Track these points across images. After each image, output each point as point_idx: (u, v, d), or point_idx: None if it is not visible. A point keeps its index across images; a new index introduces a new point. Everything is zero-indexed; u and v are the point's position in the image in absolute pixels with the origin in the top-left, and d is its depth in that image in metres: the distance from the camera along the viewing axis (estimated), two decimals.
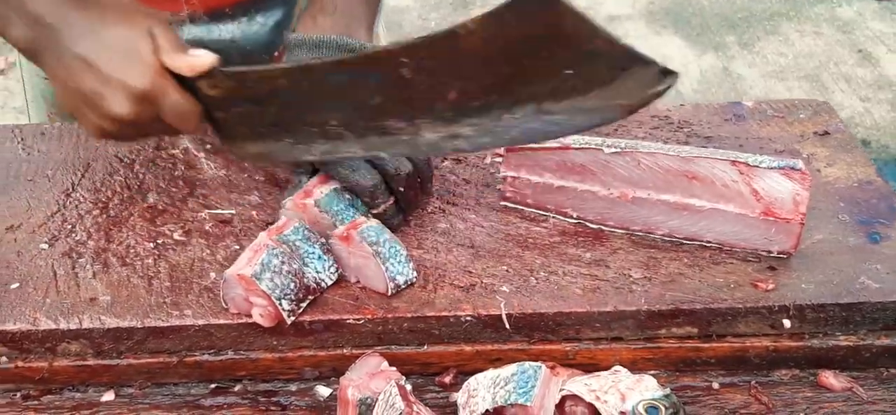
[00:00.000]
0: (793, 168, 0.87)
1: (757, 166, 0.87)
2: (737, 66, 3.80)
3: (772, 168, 0.87)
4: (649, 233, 0.93)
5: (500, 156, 0.97)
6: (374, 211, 0.92)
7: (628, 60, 0.71)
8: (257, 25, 1.19)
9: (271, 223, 0.93)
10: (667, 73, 0.72)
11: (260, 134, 0.90)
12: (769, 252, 0.90)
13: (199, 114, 0.88)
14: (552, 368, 0.84)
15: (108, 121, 0.86)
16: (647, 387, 0.81)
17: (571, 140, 0.93)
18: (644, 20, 4.17)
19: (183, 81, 0.85)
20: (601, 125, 0.79)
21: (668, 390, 0.81)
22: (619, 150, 0.91)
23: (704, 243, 0.92)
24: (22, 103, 1.36)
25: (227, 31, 1.16)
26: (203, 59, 0.84)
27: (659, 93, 0.74)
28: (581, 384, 0.82)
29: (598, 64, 0.72)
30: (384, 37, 1.45)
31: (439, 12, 4.23)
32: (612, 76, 0.73)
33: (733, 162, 0.88)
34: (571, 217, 0.96)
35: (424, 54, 0.76)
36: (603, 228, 0.95)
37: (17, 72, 3.76)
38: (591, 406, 0.80)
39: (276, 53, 1.24)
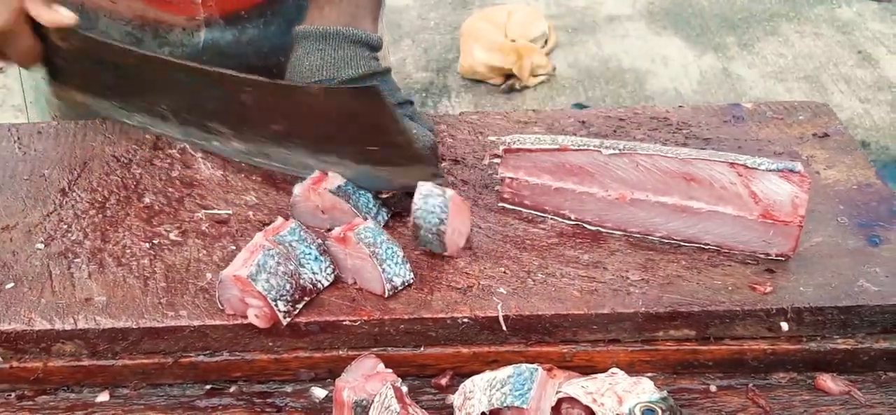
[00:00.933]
0: (791, 170, 0.86)
1: (755, 168, 0.87)
2: (736, 66, 3.79)
3: (770, 170, 0.87)
4: (647, 235, 0.93)
5: (498, 157, 0.97)
6: (383, 195, 0.96)
7: (418, 157, 0.92)
8: (274, 27, 1.19)
9: (268, 224, 0.92)
10: (437, 175, 0.93)
11: (90, 90, 1.04)
12: (767, 255, 0.90)
13: (40, 56, 1.00)
14: (549, 370, 0.84)
15: None
16: (645, 390, 0.81)
17: (570, 142, 0.92)
18: (644, 21, 4.17)
19: (36, 26, 0.97)
20: (379, 189, 0.96)
21: (665, 393, 0.80)
22: (617, 151, 0.90)
23: (702, 246, 0.92)
24: (20, 102, 1.37)
25: (243, 34, 1.16)
26: (64, 17, 0.97)
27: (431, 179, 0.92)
28: (578, 387, 0.81)
29: (396, 151, 0.92)
30: (382, 34, 1.44)
31: (438, 12, 4.23)
32: (403, 162, 0.92)
33: (732, 164, 0.88)
34: (569, 219, 0.96)
35: (267, 92, 0.94)
36: (601, 229, 0.94)
37: (16, 69, 3.75)
38: (587, 409, 0.80)
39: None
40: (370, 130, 0.91)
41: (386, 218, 0.95)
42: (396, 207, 0.96)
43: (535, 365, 0.79)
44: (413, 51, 3.94)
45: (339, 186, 0.93)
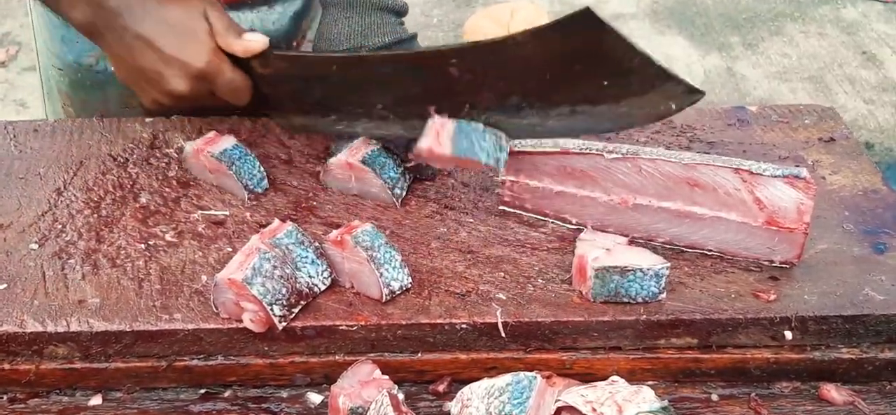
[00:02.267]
0: (797, 177, 0.85)
1: (760, 174, 0.86)
2: (741, 66, 3.77)
3: (775, 176, 0.85)
4: (650, 240, 0.91)
5: None
6: (409, 165, 0.97)
7: (661, 78, 0.78)
8: (277, 15, 1.19)
9: (265, 226, 0.91)
10: (693, 91, 0.78)
11: (306, 110, 1.00)
12: (771, 262, 0.88)
13: (250, 89, 0.98)
14: (548, 378, 0.82)
15: (166, 96, 0.96)
16: (645, 398, 0.79)
17: (572, 144, 0.91)
18: (648, 20, 4.15)
19: (236, 60, 0.96)
20: (626, 128, 0.88)
21: (665, 402, 0.79)
22: (620, 155, 0.89)
23: (705, 252, 0.90)
24: (22, 96, 1.36)
25: (246, 20, 1.16)
26: (257, 42, 0.96)
27: (683, 106, 0.81)
28: (577, 395, 0.80)
29: (633, 78, 0.79)
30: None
31: (442, 9, 4.21)
32: (644, 89, 0.80)
33: (736, 170, 0.87)
34: (570, 223, 0.94)
35: (472, 57, 0.85)
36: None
37: (17, 64, 3.74)
38: None
39: (295, 43, 1.22)
40: (596, 62, 0.78)
41: (406, 187, 0.97)
42: (422, 175, 0.97)
43: (533, 373, 0.77)
44: None
45: (223, 151, 0.96)
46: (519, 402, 0.76)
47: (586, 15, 0.74)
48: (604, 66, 0.78)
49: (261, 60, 0.96)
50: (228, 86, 0.96)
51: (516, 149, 0.93)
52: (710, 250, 0.90)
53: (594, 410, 0.79)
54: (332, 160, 0.98)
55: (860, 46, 3.90)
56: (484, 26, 3.74)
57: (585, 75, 0.80)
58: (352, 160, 0.96)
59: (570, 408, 0.78)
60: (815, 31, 4.02)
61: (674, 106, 0.80)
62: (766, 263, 0.88)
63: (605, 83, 0.80)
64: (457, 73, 0.85)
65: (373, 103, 0.94)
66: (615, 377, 0.83)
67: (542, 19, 3.88)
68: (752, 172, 0.86)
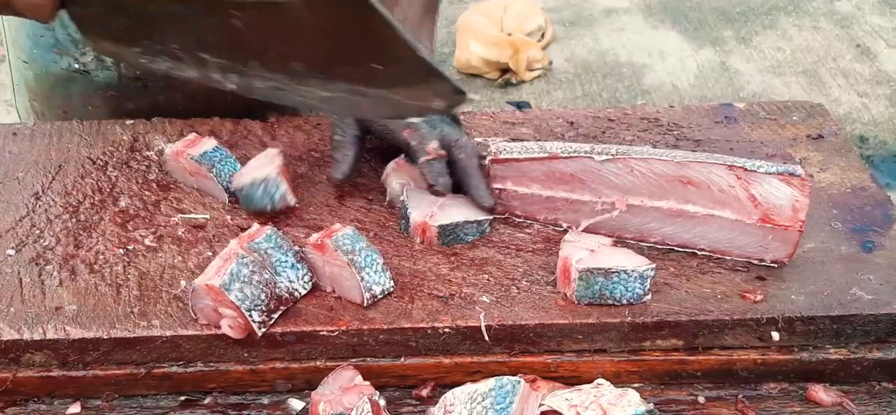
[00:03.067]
0: (792, 174, 0.84)
1: (755, 171, 0.85)
2: (734, 60, 3.77)
3: (770, 173, 0.84)
4: (641, 240, 0.90)
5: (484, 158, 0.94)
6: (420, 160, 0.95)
7: (426, 72, 0.77)
8: None
9: (245, 230, 0.90)
10: (458, 92, 0.77)
11: (113, 37, 0.94)
12: (762, 260, 0.87)
13: (54, 7, 0.88)
14: (532, 381, 0.81)
15: None
16: (630, 402, 0.78)
17: (559, 149, 0.90)
18: (642, 14, 4.14)
19: None
20: (401, 118, 0.91)
21: (651, 406, 0.78)
22: (610, 156, 0.88)
23: (696, 251, 0.89)
24: (11, 96, 1.34)
25: None
26: None
27: (452, 106, 0.81)
28: (561, 399, 0.79)
29: (402, 67, 0.77)
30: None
31: None
32: (414, 81, 0.78)
33: (730, 167, 0.85)
34: (561, 227, 0.93)
35: (251, 13, 0.82)
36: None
37: (7, 64, 3.72)
38: None
39: None
40: (368, 45, 0.78)
41: (279, 198, 0.93)
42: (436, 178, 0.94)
43: (517, 377, 0.76)
44: None
45: (204, 153, 0.95)
46: (502, 407, 0.75)
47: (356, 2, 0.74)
48: (375, 49, 0.77)
49: None
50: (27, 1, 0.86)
51: (502, 156, 0.92)
52: (703, 249, 0.89)
53: (578, 413, 0.78)
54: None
55: (854, 39, 3.89)
56: (476, 22, 3.73)
57: (359, 55, 0.79)
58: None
59: (555, 412, 0.77)
60: (808, 25, 4.01)
61: (443, 103, 0.79)
62: (757, 261, 0.87)
63: (378, 67, 0.79)
64: (241, 26, 0.83)
65: (169, 42, 0.90)
66: (600, 380, 0.81)
67: (536, 14, 3.87)
68: (746, 170, 0.85)
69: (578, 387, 0.80)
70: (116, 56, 1.03)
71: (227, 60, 0.88)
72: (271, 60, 0.85)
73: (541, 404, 0.77)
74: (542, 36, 3.85)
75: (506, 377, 0.77)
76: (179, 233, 0.93)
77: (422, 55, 0.76)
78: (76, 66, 1.16)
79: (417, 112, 0.87)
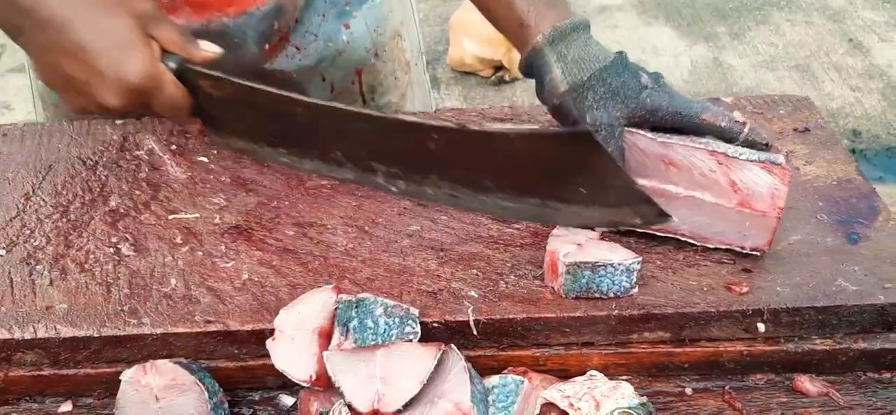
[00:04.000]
0: (773, 162, 0.85)
1: (736, 157, 0.85)
2: (727, 56, 3.77)
3: (751, 160, 0.85)
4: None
5: None
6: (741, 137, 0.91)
7: (638, 198, 0.79)
8: (246, 16, 1.14)
9: (236, 226, 0.91)
10: (663, 215, 0.80)
11: (254, 138, 0.94)
12: (742, 248, 0.88)
13: (190, 107, 0.91)
14: (524, 372, 0.82)
15: (94, 106, 0.87)
16: (624, 394, 0.79)
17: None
18: (635, 11, 4.15)
19: (179, 75, 0.89)
20: (586, 227, 0.86)
21: (644, 399, 0.79)
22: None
23: (677, 236, 0.90)
24: (7, 99, 1.35)
25: (218, 21, 1.13)
26: (212, 51, 0.90)
27: (650, 224, 0.84)
28: (555, 391, 0.80)
29: (612, 193, 0.80)
30: (421, 64, 1.42)
31: (427, 3, 4.20)
32: (619, 203, 0.81)
33: (712, 152, 0.86)
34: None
35: (454, 139, 0.83)
36: None
37: (1, 65, 3.71)
38: (564, 413, 0.78)
39: (267, 46, 1.21)
40: (582, 174, 0.80)
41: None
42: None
43: (520, 377, 0.77)
44: None
45: None
46: (505, 405, 0.76)
47: (585, 136, 0.77)
48: (588, 178, 0.80)
49: (213, 82, 0.90)
50: (168, 102, 0.89)
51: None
52: (684, 235, 0.89)
53: (571, 405, 0.78)
54: None
55: (846, 34, 3.90)
56: (470, 20, 3.72)
57: (566, 181, 0.81)
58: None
59: (549, 404, 0.77)
60: (801, 20, 4.02)
61: (639, 220, 0.82)
62: (737, 249, 0.88)
63: (583, 191, 0.81)
64: (434, 147, 0.84)
65: (332, 149, 0.90)
66: (593, 372, 0.82)
67: None
68: (728, 155, 0.86)
69: (573, 379, 0.81)
70: (247, 153, 0.99)
71: (400, 170, 0.88)
72: (456, 174, 0.86)
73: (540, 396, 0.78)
74: None
75: (510, 376, 0.78)
76: (169, 232, 0.93)
77: (637, 187, 0.80)
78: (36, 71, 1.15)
79: (607, 225, 0.86)
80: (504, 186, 0.84)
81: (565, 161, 0.79)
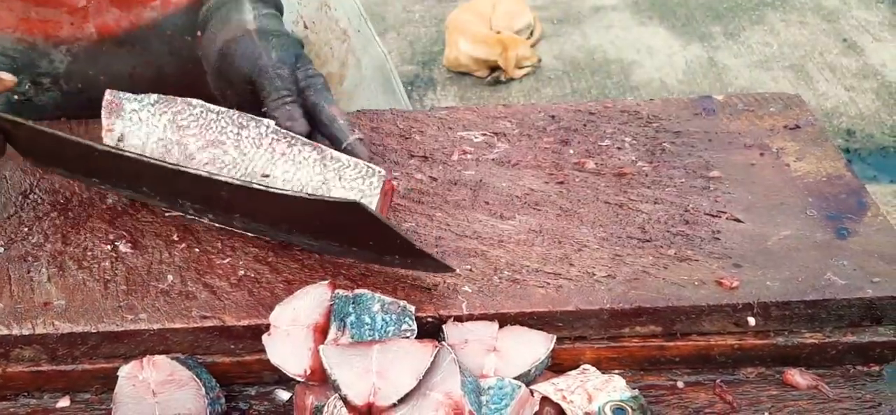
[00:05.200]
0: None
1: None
2: (722, 56, 3.79)
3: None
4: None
5: (468, 153, 0.96)
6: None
7: (419, 255, 0.84)
8: (173, 7, 1.15)
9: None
10: (446, 268, 0.85)
11: (68, 169, 0.98)
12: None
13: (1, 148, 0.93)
14: None
15: None
16: (616, 387, 0.80)
17: None
18: (629, 11, 4.16)
19: None
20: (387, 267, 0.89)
21: (636, 392, 0.80)
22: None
23: (671, 241, 0.91)
24: None
25: (147, 15, 1.13)
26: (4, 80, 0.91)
27: (437, 272, 0.87)
28: (548, 384, 0.81)
29: (396, 251, 0.85)
30: (365, 31, 1.43)
31: (423, 4, 4.21)
32: (404, 259, 0.86)
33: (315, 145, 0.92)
34: (540, 209, 0.95)
35: (242, 195, 0.87)
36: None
37: None
38: (557, 406, 0.79)
39: (199, 33, 1.19)
40: (364, 235, 0.85)
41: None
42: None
43: (518, 382, 0.78)
44: (398, 44, 3.92)
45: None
46: (498, 407, 0.76)
47: (356, 207, 0.81)
48: (371, 238, 0.85)
49: (12, 125, 0.91)
50: None
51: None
52: None
53: (564, 398, 0.79)
54: None
55: (841, 34, 3.92)
56: (465, 20, 3.74)
57: (354, 237, 0.86)
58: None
59: (543, 398, 0.78)
60: (795, 20, 4.04)
61: (429, 269, 0.86)
62: (732, 250, 0.89)
63: (371, 243, 0.86)
64: (227, 196, 0.88)
65: (138, 185, 0.94)
66: (586, 366, 0.83)
67: (525, 12, 3.89)
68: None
69: (566, 373, 0.82)
70: (63, 175, 1.00)
71: (206, 208, 0.92)
72: (258, 219, 0.90)
73: (532, 391, 0.79)
74: (531, 34, 3.87)
75: (507, 379, 0.78)
76: (166, 229, 0.94)
77: (416, 247, 0.83)
78: (15, 97, 1.15)
79: (405, 268, 0.89)
80: (304, 232, 0.89)
81: (345, 223, 0.84)
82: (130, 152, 0.91)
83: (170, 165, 0.89)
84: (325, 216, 0.85)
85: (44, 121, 0.97)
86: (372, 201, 0.88)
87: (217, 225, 0.94)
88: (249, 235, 0.93)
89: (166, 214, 0.95)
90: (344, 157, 0.90)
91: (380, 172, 0.89)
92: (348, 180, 0.89)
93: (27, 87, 1.15)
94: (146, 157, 0.91)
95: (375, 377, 0.75)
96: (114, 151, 0.91)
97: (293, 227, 0.89)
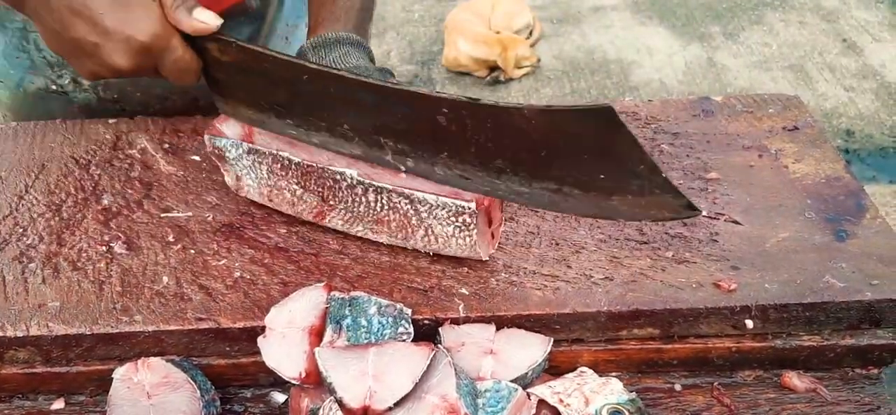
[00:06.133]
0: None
1: None
2: (721, 56, 3.79)
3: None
4: None
5: None
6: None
7: (663, 188, 0.75)
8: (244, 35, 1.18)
9: (228, 224, 0.91)
10: (691, 208, 0.75)
11: (260, 107, 0.91)
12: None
13: (199, 71, 0.90)
14: None
15: (105, 69, 0.87)
16: (613, 390, 0.80)
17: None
18: (629, 11, 4.16)
19: (189, 38, 0.87)
20: (608, 220, 0.83)
21: (633, 395, 0.79)
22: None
23: (669, 243, 0.90)
24: None
25: None
26: (208, 21, 0.86)
27: (676, 218, 0.78)
28: (545, 387, 0.80)
29: (634, 181, 0.75)
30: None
31: (422, 4, 4.21)
32: (641, 193, 0.76)
33: None
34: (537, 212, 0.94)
35: (467, 113, 0.79)
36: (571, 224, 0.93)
37: None
38: (553, 409, 0.79)
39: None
40: (602, 157, 0.75)
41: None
42: None
43: (515, 385, 0.78)
44: (397, 43, 3.92)
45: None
46: (494, 410, 0.76)
47: (607, 113, 0.72)
48: (608, 162, 0.75)
49: (220, 45, 0.88)
50: (176, 65, 0.88)
51: None
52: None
53: (561, 401, 0.79)
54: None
55: (840, 34, 3.92)
56: (465, 20, 3.74)
57: (585, 165, 0.77)
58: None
59: (542, 401, 0.78)
60: (795, 20, 4.04)
61: (666, 214, 0.77)
62: (728, 252, 0.89)
63: (602, 176, 0.77)
64: (444, 122, 0.81)
65: (340, 122, 0.87)
66: (583, 369, 0.83)
67: (524, 12, 3.89)
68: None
69: (563, 376, 0.81)
70: (254, 123, 0.94)
71: (409, 147, 0.85)
72: (468, 153, 0.82)
73: (528, 394, 0.79)
74: (531, 33, 3.87)
75: (504, 382, 0.78)
76: (161, 230, 0.94)
77: (661, 174, 0.74)
78: (53, 87, 1.16)
79: (630, 218, 0.80)
80: (517, 169, 0.80)
81: (584, 141, 0.75)
82: (346, 72, 0.85)
83: (390, 85, 0.82)
84: (558, 136, 0.75)
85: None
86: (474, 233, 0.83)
87: (419, 171, 0.85)
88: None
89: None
90: (430, 198, 0.84)
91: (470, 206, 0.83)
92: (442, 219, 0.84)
93: (67, 81, 1.16)
94: (361, 77, 0.84)
95: (371, 380, 0.75)
96: (329, 71, 0.85)
97: (512, 159, 0.79)
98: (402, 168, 0.87)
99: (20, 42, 1.15)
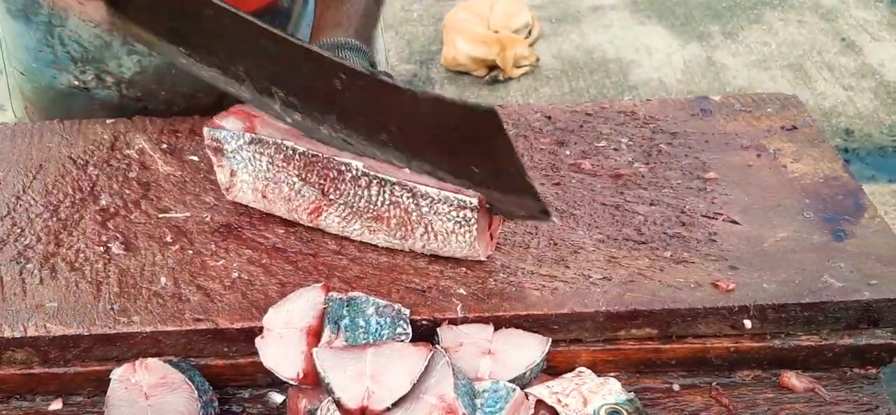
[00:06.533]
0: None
1: None
2: (720, 55, 3.78)
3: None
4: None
5: None
6: None
7: (525, 189, 0.81)
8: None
9: (225, 225, 0.91)
10: (545, 212, 0.82)
11: (156, 30, 0.92)
12: None
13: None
14: None
15: None
16: (611, 390, 0.80)
17: None
18: (628, 10, 4.15)
19: None
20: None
21: (631, 395, 0.79)
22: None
23: (667, 243, 0.90)
24: (6, 99, 1.36)
25: None
26: None
27: (531, 219, 0.87)
28: (543, 387, 0.80)
29: (502, 178, 0.81)
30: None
31: (421, 3, 4.20)
32: (505, 190, 0.82)
33: None
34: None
35: (363, 84, 0.83)
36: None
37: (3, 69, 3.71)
38: (551, 409, 0.79)
39: None
40: (478, 151, 0.81)
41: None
42: None
43: (513, 386, 0.77)
44: (396, 43, 3.91)
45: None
46: (492, 411, 0.76)
47: (492, 115, 0.77)
48: (483, 157, 0.81)
49: None
50: None
51: None
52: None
53: (559, 401, 0.79)
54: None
55: (839, 33, 3.91)
56: (464, 20, 3.73)
57: (460, 154, 0.82)
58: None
59: (541, 401, 0.78)
60: (794, 19, 4.03)
61: (523, 213, 0.84)
62: (726, 252, 0.88)
63: (475, 169, 0.83)
64: (340, 86, 0.84)
65: (235, 63, 0.88)
66: (582, 369, 0.83)
67: (523, 11, 3.88)
68: None
69: (561, 376, 0.81)
70: (148, 46, 0.95)
71: (299, 102, 0.87)
72: (354, 122, 0.86)
73: (527, 394, 0.79)
74: (529, 33, 3.86)
75: (502, 382, 0.78)
76: (159, 231, 0.94)
77: (528, 178, 0.80)
78: (76, 83, 1.17)
79: (497, 212, 0.87)
80: (399, 144, 0.85)
81: (465, 134, 0.81)
82: (249, 17, 0.85)
83: (291, 39, 0.85)
84: (442, 125, 0.81)
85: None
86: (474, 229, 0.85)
87: (302, 127, 0.88)
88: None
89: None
90: (433, 191, 0.85)
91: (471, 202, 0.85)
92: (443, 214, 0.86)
93: (90, 77, 1.16)
94: (263, 24, 0.85)
95: (369, 381, 0.75)
96: (232, 11, 0.85)
97: (395, 132, 0.84)
98: (288, 120, 0.90)
99: (45, 36, 1.15)
